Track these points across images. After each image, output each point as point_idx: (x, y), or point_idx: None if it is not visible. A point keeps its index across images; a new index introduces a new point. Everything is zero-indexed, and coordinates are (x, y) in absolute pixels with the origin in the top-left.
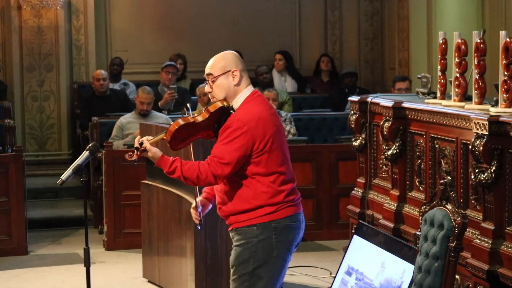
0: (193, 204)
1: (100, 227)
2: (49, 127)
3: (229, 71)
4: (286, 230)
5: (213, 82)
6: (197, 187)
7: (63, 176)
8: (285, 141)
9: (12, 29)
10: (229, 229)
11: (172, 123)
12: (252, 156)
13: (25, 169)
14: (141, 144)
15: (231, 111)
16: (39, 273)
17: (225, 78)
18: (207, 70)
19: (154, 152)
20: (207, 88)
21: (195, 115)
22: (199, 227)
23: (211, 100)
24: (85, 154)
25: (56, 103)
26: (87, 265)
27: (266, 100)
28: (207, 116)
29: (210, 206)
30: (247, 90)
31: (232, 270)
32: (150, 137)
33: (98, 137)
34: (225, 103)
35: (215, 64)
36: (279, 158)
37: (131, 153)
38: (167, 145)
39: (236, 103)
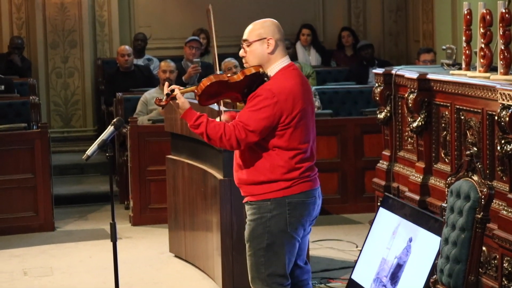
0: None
1: (126, 202)
2: (73, 103)
3: (265, 38)
4: (301, 206)
5: (247, 47)
6: (221, 108)
7: (89, 151)
8: (313, 119)
9: (35, 6)
10: (244, 201)
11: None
12: (277, 128)
13: (50, 145)
14: (172, 91)
15: (265, 79)
16: (66, 249)
17: (259, 44)
18: (244, 35)
19: (183, 101)
20: (241, 53)
21: (229, 75)
22: None
23: (245, 65)
24: (110, 129)
25: (80, 80)
26: (114, 240)
27: (302, 74)
28: (241, 77)
29: None
30: (283, 61)
31: (247, 246)
32: (182, 87)
33: (122, 112)
34: (260, 69)
35: (252, 30)
36: (302, 135)
37: (161, 98)
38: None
39: (271, 71)
